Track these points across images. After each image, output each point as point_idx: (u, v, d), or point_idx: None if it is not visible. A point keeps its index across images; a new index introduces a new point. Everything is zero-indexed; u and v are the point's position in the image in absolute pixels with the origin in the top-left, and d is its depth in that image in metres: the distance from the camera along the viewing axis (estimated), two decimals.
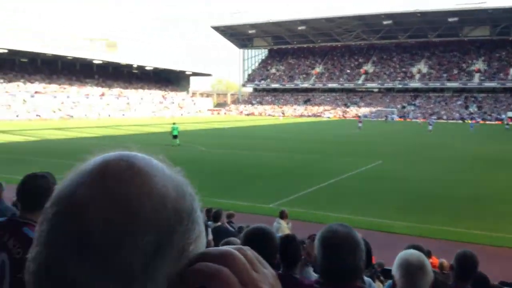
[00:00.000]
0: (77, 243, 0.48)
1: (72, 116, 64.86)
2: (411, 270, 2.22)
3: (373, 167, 21.08)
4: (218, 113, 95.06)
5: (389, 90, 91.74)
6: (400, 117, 79.23)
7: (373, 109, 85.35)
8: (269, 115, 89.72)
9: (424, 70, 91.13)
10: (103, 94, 77.45)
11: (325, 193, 15.55)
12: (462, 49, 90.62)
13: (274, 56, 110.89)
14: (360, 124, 49.84)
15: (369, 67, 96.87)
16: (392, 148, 29.82)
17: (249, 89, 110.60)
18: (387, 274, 5.95)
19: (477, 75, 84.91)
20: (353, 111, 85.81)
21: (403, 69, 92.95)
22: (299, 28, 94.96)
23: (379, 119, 76.82)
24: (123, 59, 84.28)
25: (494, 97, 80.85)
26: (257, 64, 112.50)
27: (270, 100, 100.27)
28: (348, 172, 19.34)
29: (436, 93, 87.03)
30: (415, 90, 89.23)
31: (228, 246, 0.53)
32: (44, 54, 69.86)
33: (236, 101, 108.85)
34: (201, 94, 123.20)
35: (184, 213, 0.54)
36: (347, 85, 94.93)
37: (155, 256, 0.50)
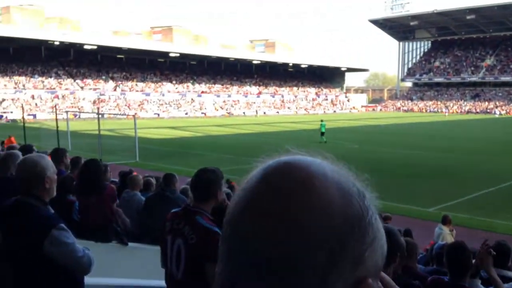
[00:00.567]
0: (251, 263, 0.49)
1: (232, 114, 69.33)
2: None
3: None
4: (374, 110, 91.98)
5: None
6: None
7: None
8: (431, 111, 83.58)
9: None
10: (260, 93, 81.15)
11: (493, 198, 13.68)
12: None
13: (438, 48, 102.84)
14: None
15: None
16: None
17: (408, 83, 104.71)
18: None
19: None
20: None
21: None
22: (468, 17, 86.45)
23: None
24: (280, 59, 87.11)
25: None
26: (418, 57, 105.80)
27: (432, 95, 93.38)
28: None
29: None
30: None
31: None
32: (210, 57, 75.97)
33: (393, 97, 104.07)
34: (355, 90, 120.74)
35: (354, 219, 0.51)
36: None
37: (330, 270, 0.48)
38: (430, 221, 9.37)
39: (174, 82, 73.26)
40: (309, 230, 0.48)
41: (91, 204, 4.83)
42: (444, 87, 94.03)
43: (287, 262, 0.48)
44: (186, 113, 65.66)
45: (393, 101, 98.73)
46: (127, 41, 76.87)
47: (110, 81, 66.38)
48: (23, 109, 34.91)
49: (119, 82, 67.06)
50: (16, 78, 57.94)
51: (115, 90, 65.04)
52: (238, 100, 76.17)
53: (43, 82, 59.85)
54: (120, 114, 50.30)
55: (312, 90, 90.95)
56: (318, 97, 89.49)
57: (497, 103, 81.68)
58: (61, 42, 58.80)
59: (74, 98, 59.76)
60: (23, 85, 57.56)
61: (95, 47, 60.86)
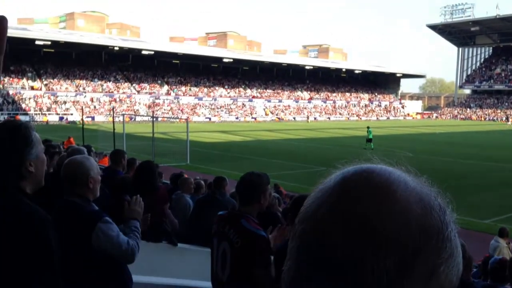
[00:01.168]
0: (320, 261, 0.49)
1: (282, 119, 69.36)
2: None
3: None
4: (429, 117, 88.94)
5: None
6: None
7: None
8: (490, 120, 79.76)
9: None
10: (311, 98, 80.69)
11: None
12: None
13: (500, 54, 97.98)
14: None
15: None
16: None
17: (466, 91, 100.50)
18: None
19: None
20: None
21: None
22: None
23: None
24: (333, 64, 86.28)
25: None
26: (478, 64, 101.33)
27: (491, 103, 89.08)
28: None
29: None
30: None
31: None
32: (263, 62, 76.48)
33: (450, 104, 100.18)
34: (411, 97, 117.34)
35: (431, 231, 0.50)
36: None
37: (399, 277, 0.47)
38: (486, 233, 8.95)
39: (226, 87, 74.34)
40: (383, 234, 0.48)
41: (145, 204, 5.01)
42: (505, 95, 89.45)
43: (357, 263, 0.48)
44: (237, 118, 66.41)
45: (450, 108, 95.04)
46: (183, 47, 79.03)
47: (165, 86, 68.37)
48: (82, 111, 36.70)
49: (174, 87, 68.92)
50: (77, 81, 60.95)
51: (169, 94, 66.91)
52: (289, 105, 76.13)
53: (102, 85, 62.60)
54: (173, 118, 51.69)
55: (365, 96, 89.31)
56: (372, 103, 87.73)
57: None
58: (121, 48, 61.34)
59: (131, 101, 62.04)
60: (84, 88, 60.45)
61: (152, 52, 62.96)
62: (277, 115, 71.36)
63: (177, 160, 20.25)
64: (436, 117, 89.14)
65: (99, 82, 62.84)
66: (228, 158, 22.95)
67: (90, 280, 2.56)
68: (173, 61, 70.35)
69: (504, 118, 78.47)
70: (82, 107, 47.02)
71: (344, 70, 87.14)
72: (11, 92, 52.94)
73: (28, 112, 50.38)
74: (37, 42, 53.76)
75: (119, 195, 4.41)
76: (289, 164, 20.97)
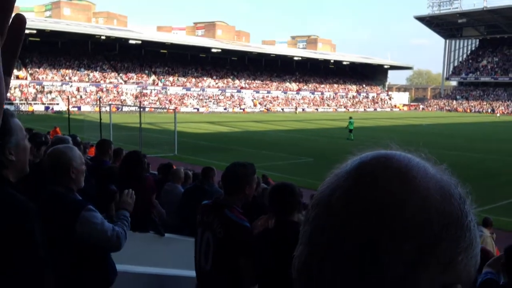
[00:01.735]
0: (334, 246, 0.48)
1: (270, 110, 69.38)
2: None
3: None
4: (416, 109, 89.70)
5: None
6: None
7: None
8: (476, 112, 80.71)
9: None
10: (299, 89, 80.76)
11: None
12: None
13: (486, 46, 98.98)
14: None
15: None
16: None
17: (453, 83, 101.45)
18: None
19: None
20: None
21: None
22: None
23: None
24: (321, 55, 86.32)
25: None
26: (465, 56, 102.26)
27: (477, 95, 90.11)
28: None
29: None
30: None
31: None
32: (251, 53, 76.21)
33: (437, 96, 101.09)
34: (398, 89, 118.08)
35: (451, 219, 0.49)
36: None
37: (416, 265, 0.46)
38: None
39: (214, 77, 74.01)
40: (401, 219, 0.47)
41: None
42: (491, 87, 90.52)
43: (372, 249, 0.47)
44: (225, 109, 66.25)
45: (437, 100, 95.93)
46: (170, 36, 78.36)
47: (153, 76, 67.84)
48: (68, 101, 36.27)
49: (161, 77, 68.42)
50: (63, 71, 60.17)
51: (156, 84, 66.43)
52: (277, 96, 76.12)
53: (88, 75, 61.89)
54: (161, 108, 51.37)
55: (353, 88, 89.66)
56: (359, 94, 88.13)
57: None
58: (107, 37, 60.61)
59: (117, 91, 61.48)
60: (70, 78, 59.71)
61: (140, 42, 62.35)
62: (265, 106, 71.33)
63: (165, 150, 20.17)
64: (423, 108, 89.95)
65: (86, 72, 62.12)
66: (216, 149, 22.92)
67: (73, 270, 2.56)
68: (161, 50, 69.78)
69: (489, 110, 79.47)
70: (68, 97, 46.50)
71: (332, 61, 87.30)
72: None
73: (14, 102, 49.60)
74: None
75: (105, 185, 4.40)
76: (278, 155, 21.04)
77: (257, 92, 74.93)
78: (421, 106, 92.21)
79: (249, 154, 20.56)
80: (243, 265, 2.63)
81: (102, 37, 60.25)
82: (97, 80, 61.70)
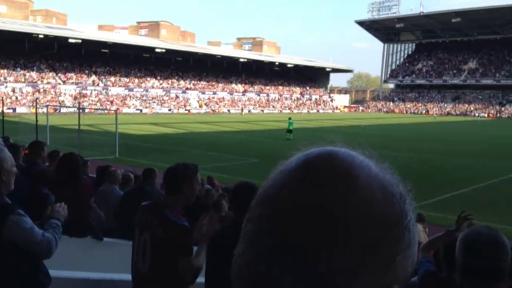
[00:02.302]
0: (280, 246, 0.48)
1: (216, 111, 69.21)
2: None
3: None
4: (356, 110, 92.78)
5: None
6: None
7: None
8: (411, 113, 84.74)
9: None
10: (245, 91, 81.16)
11: (469, 198, 13.97)
12: None
13: (422, 50, 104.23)
14: None
15: None
16: None
17: (391, 85, 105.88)
18: None
19: None
20: (509, 110, 76.97)
21: None
22: (453, 20, 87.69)
23: None
24: (266, 57, 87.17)
25: None
26: (402, 59, 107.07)
27: (413, 97, 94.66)
28: (500, 177, 17.11)
29: None
30: None
31: None
32: (196, 53, 75.59)
33: (375, 98, 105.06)
34: (339, 91, 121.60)
35: (392, 219, 0.49)
36: (504, 82, 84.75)
37: (359, 266, 0.47)
38: None
39: (158, 78, 72.76)
40: (344, 222, 0.47)
41: (67, 197, 4.83)
42: (426, 89, 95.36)
43: (316, 250, 0.47)
44: (170, 110, 65.29)
45: (375, 102, 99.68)
46: (112, 36, 76.14)
47: (93, 76, 65.63)
48: (3, 102, 34.30)
49: (102, 77, 66.33)
50: None
51: (97, 85, 64.32)
52: (223, 98, 76.03)
53: (25, 75, 58.88)
54: (101, 109, 49.81)
55: (297, 90, 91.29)
56: (303, 96, 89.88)
57: (476, 106, 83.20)
58: (46, 36, 57.96)
59: (55, 92, 58.95)
60: (5, 78, 56.52)
61: (79, 41, 60.11)
62: (211, 107, 71.02)
63: (105, 153, 19.59)
64: (362, 110, 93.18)
65: (22, 72, 59.04)
66: (160, 150, 22.55)
67: (1, 275, 2.45)
68: (102, 50, 67.59)
69: (424, 111, 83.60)
70: (2, 98, 43.95)
71: (277, 63, 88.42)
72: None
73: None
74: None
75: (37, 188, 4.23)
76: (224, 156, 21.02)
77: (203, 93, 74.46)
78: (360, 108, 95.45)
79: (194, 156, 20.40)
80: (182, 265, 2.61)
81: (40, 36, 57.51)
82: (34, 81, 58.81)
